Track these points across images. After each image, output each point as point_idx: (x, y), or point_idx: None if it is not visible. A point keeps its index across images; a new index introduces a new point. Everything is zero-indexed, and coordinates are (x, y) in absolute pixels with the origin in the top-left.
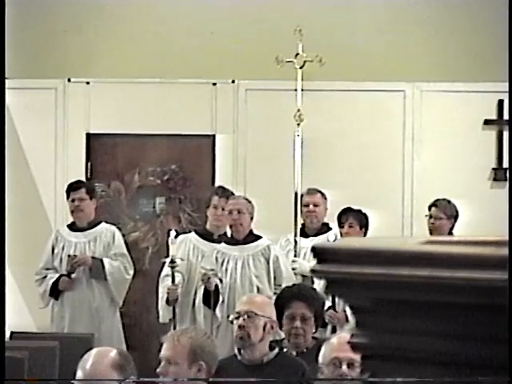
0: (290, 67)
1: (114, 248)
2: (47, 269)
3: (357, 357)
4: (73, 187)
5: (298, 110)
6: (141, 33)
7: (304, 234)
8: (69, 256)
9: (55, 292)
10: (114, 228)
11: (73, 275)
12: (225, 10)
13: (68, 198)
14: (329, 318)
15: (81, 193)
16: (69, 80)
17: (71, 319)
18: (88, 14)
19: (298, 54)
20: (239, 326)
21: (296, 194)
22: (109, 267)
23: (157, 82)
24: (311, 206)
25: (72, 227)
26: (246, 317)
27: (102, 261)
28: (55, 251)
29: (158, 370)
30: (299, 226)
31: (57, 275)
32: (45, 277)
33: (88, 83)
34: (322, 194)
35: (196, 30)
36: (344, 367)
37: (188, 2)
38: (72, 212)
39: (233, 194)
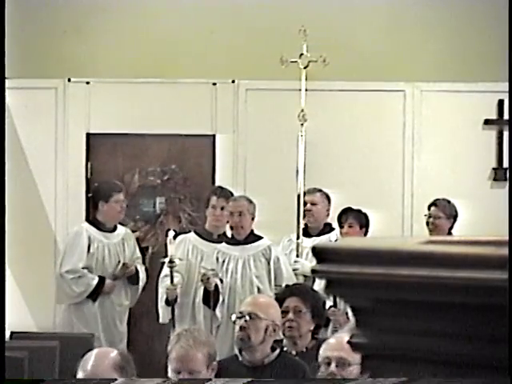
0: (291, 67)
1: (136, 252)
2: (84, 268)
3: (348, 356)
4: (117, 189)
5: (302, 110)
6: (141, 33)
7: (307, 234)
8: (123, 264)
9: (95, 293)
10: (130, 231)
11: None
12: (225, 10)
13: (108, 197)
14: (331, 313)
15: (123, 194)
16: (69, 80)
17: (106, 321)
18: (88, 14)
19: (302, 55)
20: (240, 327)
21: (299, 194)
22: (141, 273)
23: (157, 82)
24: (308, 205)
25: (99, 227)
26: (248, 318)
27: (136, 267)
28: (91, 251)
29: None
30: (301, 226)
31: (96, 277)
32: (80, 276)
33: (88, 83)
34: (323, 194)
35: (196, 30)
36: (333, 366)
37: (188, 2)
38: (118, 213)
39: (231, 193)
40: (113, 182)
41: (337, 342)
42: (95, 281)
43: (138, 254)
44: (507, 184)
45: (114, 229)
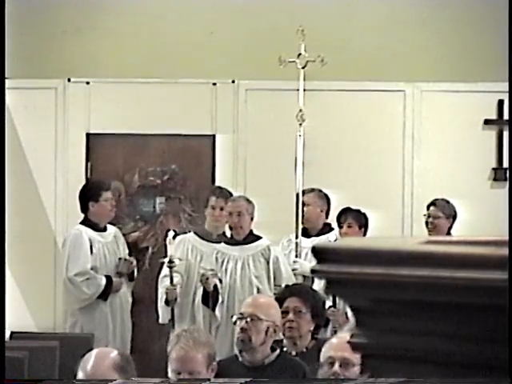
0: (290, 67)
1: (125, 248)
2: (91, 269)
3: (351, 356)
4: (105, 188)
5: (300, 110)
6: (141, 33)
7: (306, 234)
8: (125, 259)
9: (105, 293)
10: (117, 229)
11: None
12: (225, 10)
13: (97, 197)
14: (330, 313)
15: (110, 193)
16: (69, 80)
17: (116, 320)
18: (88, 14)
19: (300, 54)
20: (241, 329)
21: (298, 194)
22: (136, 269)
23: (157, 82)
24: (300, 206)
25: (93, 228)
26: (249, 320)
27: None
28: (93, 251)
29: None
30: (300, 227)
31: (103, 276)
32: (88, 278)
33: (88, 83)
34: (316, 194)
35: (196, 30)
36: (336, 366)
37: (188, 2)
38: (109, 211)
39: (231, 194)
40: (99, 180)
41: (340, 342)
42: (104, 280)
43: (127, 250)
44: (507, 184)
45: (105, 228)
